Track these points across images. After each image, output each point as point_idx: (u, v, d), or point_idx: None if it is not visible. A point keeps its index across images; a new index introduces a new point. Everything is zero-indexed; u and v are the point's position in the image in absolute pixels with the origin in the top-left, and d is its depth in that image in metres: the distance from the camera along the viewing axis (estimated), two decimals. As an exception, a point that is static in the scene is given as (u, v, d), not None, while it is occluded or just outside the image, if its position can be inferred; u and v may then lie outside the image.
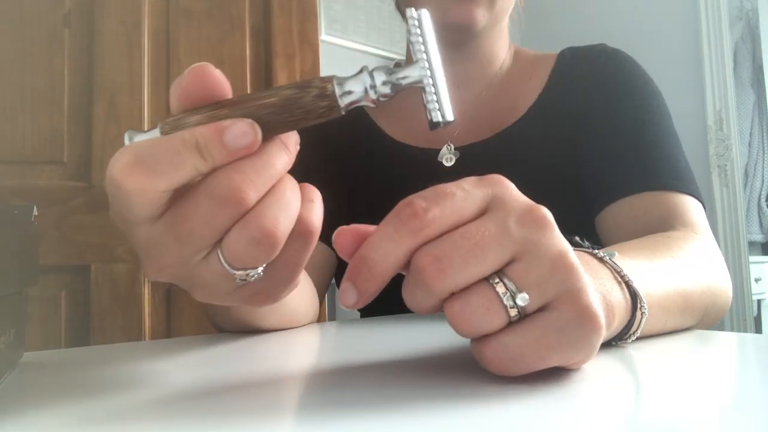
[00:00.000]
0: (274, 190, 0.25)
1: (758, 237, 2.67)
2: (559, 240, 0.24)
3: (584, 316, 0.23)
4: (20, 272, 0.30)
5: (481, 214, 0.24)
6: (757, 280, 2.42)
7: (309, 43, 1.28)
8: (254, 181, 0.24)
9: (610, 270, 0.31)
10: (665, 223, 0.52)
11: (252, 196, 0.24)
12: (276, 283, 0.27)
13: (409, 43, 0.26)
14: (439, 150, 0.66)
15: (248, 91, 1.22)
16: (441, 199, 0.24)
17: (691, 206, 0.54)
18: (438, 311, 0.25)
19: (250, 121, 0.24)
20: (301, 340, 0.44)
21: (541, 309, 0.23)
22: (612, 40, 0.71)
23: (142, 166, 0.23)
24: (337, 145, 0.72)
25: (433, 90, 0.25)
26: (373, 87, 0.25)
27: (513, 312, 0.23)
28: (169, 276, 0.26)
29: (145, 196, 0.23)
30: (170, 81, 1.19)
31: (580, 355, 0.24)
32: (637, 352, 0.32)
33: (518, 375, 0.24)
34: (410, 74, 0.26)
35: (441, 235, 0.24)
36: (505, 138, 0.64)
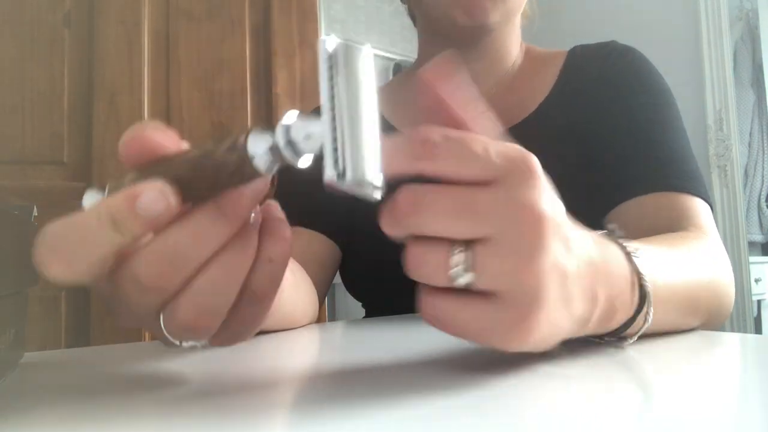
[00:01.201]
0: (208, 265, 0.23)
1: (758, 237, 2.67)
2: (545, 247, 0.23)
3: (519, 330, 0.23)
4: (20, 272, 0.30)
5: (485, 183, 0.23)
6: (757, 281, 2.42)
7: (309, 43, 1.28)
8: (175, 266, 0.22)
9: (631, 269, 0.31)
10: (675, 225, 0.52)
11: (174, 282, 0.22)
12: (234, 338, 0.26)
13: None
14: None
15: (248, 92, 1.23)
16: (465, 148, 0.23)
17: (700, 208, 0.54)
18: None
19: (160, 185, 0.21)
20: (303, 341, 0.44)
21: (486, 292, 0.23)
22: (611, 40, 0.71)
23: (58, 256, 0.22)
24: None
25: (334, 148, 0.20)
26: (289, 144, 0.21)
27: (460, 283, 0.23)
28: (135, 326, 0.26)
29: (71, 279, 0.22)
30: (170, 81, 1.19)
31: (499, 347, 0.24)
32: (640, 354, 0.32)
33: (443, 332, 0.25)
34: (316, 130, 0.21)
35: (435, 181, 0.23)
36: (514, 134, 0.63)
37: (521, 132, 0.67)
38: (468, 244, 0.23)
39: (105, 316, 1.10)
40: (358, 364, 0.32)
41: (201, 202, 0.22)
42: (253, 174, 0.21)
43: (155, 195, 0.21)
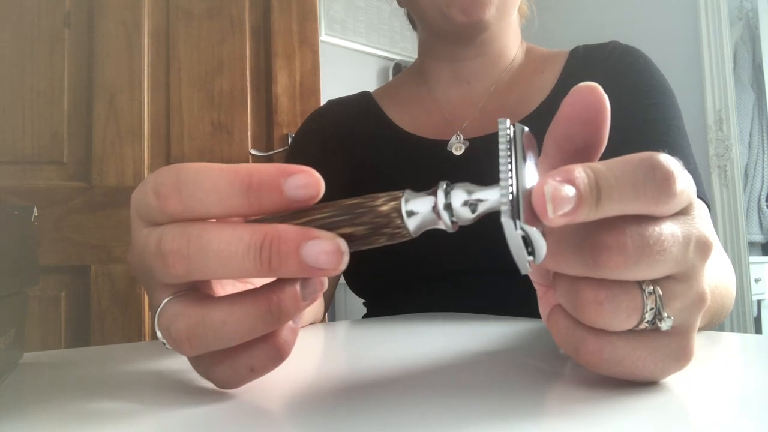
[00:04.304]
0: (229, 306, 0.21)
1: (758, 237, 2.67)
2: (705, 276, 0.23)
3: (685, 356, 0.23)
4: (20, 272, 0.30)
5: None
6: (757, 281, 2.42)
7: (309, 44, 1.28)
8: (194, 257, 0.20)
9: None
10: None
11: (183, 267, 0.21)
12: (202, 371, 0.24)
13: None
14: (448, 141, 0.66)
15: (248, 92, 1.23)
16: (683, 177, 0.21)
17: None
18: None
19: (317, 173, 0.21)
20: (306, 341, 0.44)
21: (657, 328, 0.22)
22: (611, 39, 0.71)
23: (180, 195, 0.21)
24: (346, 134, 0.72)
25: (512, 224, 0.20)
26: (447, 207, 0.21)
27: (644, 326, 0.22)
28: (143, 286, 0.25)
29: (179, 218, 0.22)
30: (170, 81, 1.19)
31: (652, 380, 0.24)
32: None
33: (598, 373, 0.23)
34: (488, 197, 0.21)
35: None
36: None
37: None
38: (653, 283, 0.22)
39: (105, 316, 1.10)
40: (360, 363, 0.32)
41: None
42: (395, 234, 0.21)
43: (310, 180, 0.21)
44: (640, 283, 0.21)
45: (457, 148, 0.65)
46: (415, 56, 0.77)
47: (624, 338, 0.22)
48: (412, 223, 0.21)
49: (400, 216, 0.21)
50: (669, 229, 0.21)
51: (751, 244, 2.56)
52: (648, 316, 0.21)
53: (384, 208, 0.21)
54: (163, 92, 1.19)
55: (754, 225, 2.65)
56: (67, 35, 1.14)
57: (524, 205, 0.20)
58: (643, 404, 0.21)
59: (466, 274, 0.61)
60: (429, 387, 0.25)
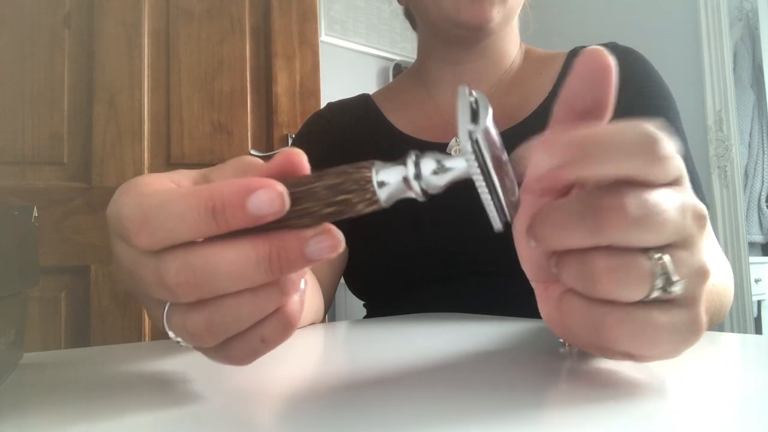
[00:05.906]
0: (239, 294, 0.22)
1: (758, 238, 2.67)
2: (704, 250, 0.24)
3: (697, 327, 0.23)
4: (20, 273, 0.30)
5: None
6: (757, 281, 2.42)
7: (309, 44, 1.28)
8: (201, 286, 0.21)
9: None
10: None
11: (193, 295, 0.21)
12: (220, 359, 0.24)
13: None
14: (447, 143, 0.66)
15: (248, 92, 1.23)
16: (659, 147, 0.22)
17: None
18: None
19: (280, 186, 0.21)
20: (306, 341, 0.44)
21: (668, 300, 0.23)
22: (611, 40, 0.71)
23: (148, 228, 0.21)
24: (345, 136, 0.72)
25: (485, 187, 0.21)
26: (417, 176, 0.21)
27: (656, 294, 0.22)
28: (134, 296, 0.25)
29: (152, 249, 0.22)
30: (170, 81, 1.19)
31: (670, 356, 0.24)
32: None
33: (616, 352, 0.23)
34: (456, 165, 0.21)
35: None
36: (515, 134, 0.64)
37: (520, 132, 0.67)
38: (660, 249, 0.22)
39: (105, 316, 1.10)
40: (360, 363, 0.32)
41: (293, 227, 0.22)
42: (366, 204, 0.22)
43: (272, 196, 0.20)
44: (646, 251, 0.22)
45: (457, 150, 0.65)
46: (415, 57, 0.77)
47: (640, 308, 0.22)
48: (383, 194, 0.22)
49: (380, 205, 0.22)
50: (665, 194, 0.22)
51: (751, 245, 2.56)
52: (659, 282, 0.22)
53: (366, 210, 0.22)
54: (163, 92, 1.19)
55: (754, 225, 2.64)
56: (67, 35, 1.14)
57: (494, 170, 0.21)
58: (642, 404, 0.21)
59: (465, 275, 0.61)
60: (429, 387, 0.25)
